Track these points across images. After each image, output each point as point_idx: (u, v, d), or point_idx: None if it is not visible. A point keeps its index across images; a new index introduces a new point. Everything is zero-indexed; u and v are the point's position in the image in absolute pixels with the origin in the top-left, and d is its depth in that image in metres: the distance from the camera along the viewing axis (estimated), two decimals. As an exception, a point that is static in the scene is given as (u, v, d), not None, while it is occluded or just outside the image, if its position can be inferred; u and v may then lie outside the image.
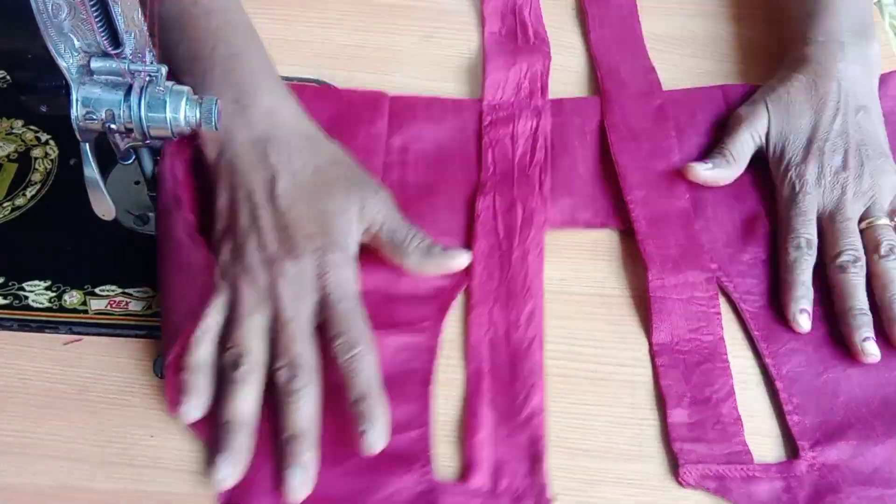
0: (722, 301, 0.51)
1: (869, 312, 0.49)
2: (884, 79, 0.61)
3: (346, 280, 0.46)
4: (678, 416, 0.46)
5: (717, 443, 0.45)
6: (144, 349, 0.47)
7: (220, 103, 0.43)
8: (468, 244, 0.52)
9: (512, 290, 0.50)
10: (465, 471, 0.43)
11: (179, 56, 0.51)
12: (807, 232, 0.51)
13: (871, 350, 0.48)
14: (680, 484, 0.44)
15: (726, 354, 0.48)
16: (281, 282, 0.45)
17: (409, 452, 0.44)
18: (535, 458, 0.44)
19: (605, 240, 0.54)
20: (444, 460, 0.44)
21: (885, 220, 0.52)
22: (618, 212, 0.54)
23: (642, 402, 0.47)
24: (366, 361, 0.44)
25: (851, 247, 0.51)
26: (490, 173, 0.55)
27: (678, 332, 0.49)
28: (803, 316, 0.49)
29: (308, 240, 0.46)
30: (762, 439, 0.46)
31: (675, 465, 0.44)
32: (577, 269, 0.52)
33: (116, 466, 0.43)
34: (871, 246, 0.51)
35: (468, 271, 0.51)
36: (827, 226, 0.52)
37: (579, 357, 0.48)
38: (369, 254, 0.50)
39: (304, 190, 0.48)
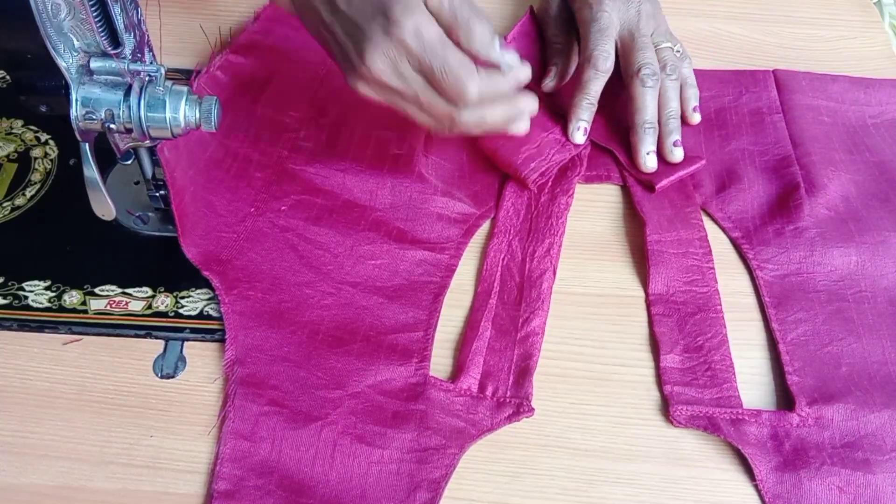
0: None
1: (656, 126, 0.56)
2: (872, 84, 0.62)
3: (422, 34, 0.45)
4: (670, 360, 0.47)
5: (708, 388, 0.46)
6: (144, 349, 0.47)
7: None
8: (502, 184, 0.55)
9: (535, 226, 0.53)
10: (457, 373, 0.47)
11: None
12: (605, 50, 0.56)
13: (651, 163, 0.56)
14: (672, 423, 0.45)
15: (720, 306, 0.50)
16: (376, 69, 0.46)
17: (410, 349, 0.47)
18: (523, 371, 0.46)
19: (606, 240, 0.54)
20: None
21: (668, 43, 0.58)
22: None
23: (642, 402, 0.47)
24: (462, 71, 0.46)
25: (651, 60, 0.56)
26: None
27: (674, 284, 0.51)
28: (580, 132, 0.56)
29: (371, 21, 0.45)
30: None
31: (666, 408, 0.46)
32: (577, 269, 0.52)
33: (116, 466, 0.43)
34: (658, 65, 0.57)
35: (496, 204, 0.54)
36: (627, 43, 0.57)
37: (579, 357, 0.48)
38: (404, 168, 0.54)
39: None
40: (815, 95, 0.62)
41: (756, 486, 0.43)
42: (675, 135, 0.57)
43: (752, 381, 0.47)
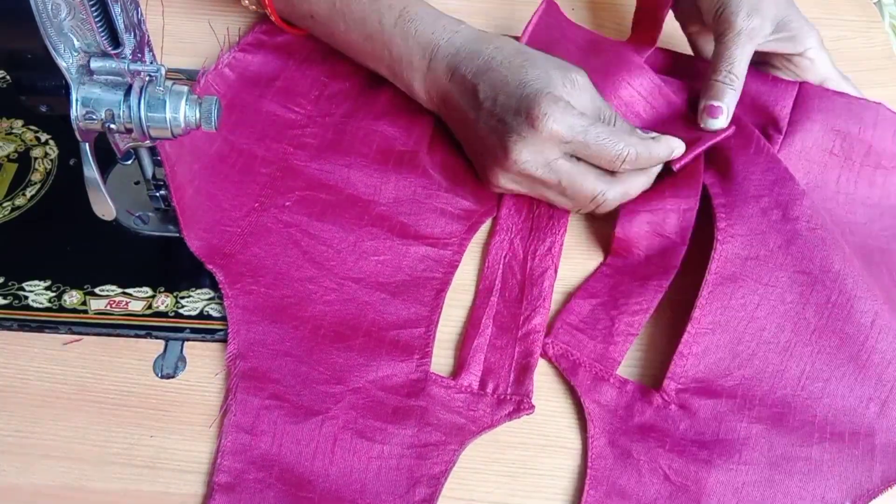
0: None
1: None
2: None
3: (572, 126, 0.47)
4: (578, 306, 0.48)
5: (596, 341, 0.47)
6: (144, 349, 0.47)
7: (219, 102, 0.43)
8: None
9: (537, 224, 0.53)
10: (458, 370, 0.47)
11: (351, 43, 0.55)
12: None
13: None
14: (541, 354, 0.46)
15: (666, 282, 0.49)
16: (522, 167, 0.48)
17: (411, 345, 0.47)
18: (524, 368, 0.47)
19: (606, 240, 0.54)
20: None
21: None
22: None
23: (642, 402, 0.46)
24: (638, 155, 0.48)
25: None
26: None
27: (634, 255, 0.51)
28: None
29: (515, 117, 0.48)
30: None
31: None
32: (577, 269, 0.52)
33: (116, 466, 0.43)
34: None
35: (499, 202, 0.54)
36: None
37: (579, 357, 0.48)
38: (409, 165, 0.54)
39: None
40: (837, 119, 0.55)
41: (585, 441, 0.44)
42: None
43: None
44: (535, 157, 0.48)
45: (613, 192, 0.50)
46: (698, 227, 0.50)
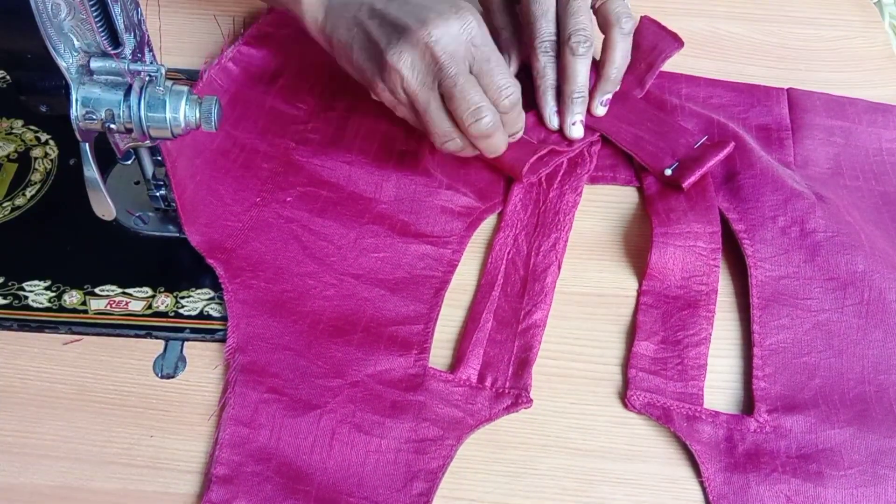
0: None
1: (587, 94, 0.55)
2: (891, 109, 0.61)
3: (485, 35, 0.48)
4: (643, 348, 0.47)
5: (674, 381, 0.46)
6: (144, 349, 0.47)
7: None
8: (508, 180, 0.55)
9: (542, 221, 0.53)
10: (456, 363, 0.47)
11: None
12: (550, 33, 0.55)
13: (577, 132, 0.55)
14: (625, 406, 0.45)
15: (713, 305, 0.49)
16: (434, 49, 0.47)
17: (410, 341, 0.47)
18: (523, 363, 0.47)
19: (607, 240, 0.54)
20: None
21: None
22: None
23: (642, 402, 0.47)
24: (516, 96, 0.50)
25: (583, 26, 0.54)
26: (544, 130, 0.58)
27: (671, 279, 0.50)
28: (555, 117, 0.56)
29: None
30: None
31: (625, 391, 0.46)
32: (577, 269, 0.52)
33: (116, 466, 0.43)
34: (611, 20, 0.55)
35: (504, 199, 0.54)
36: (562, 9, 0.55)
37: (579, 357, 0.48)
38: (410, 162, 0.54)
39: None
40: (830, 115, 0.60)
41: (702, 484, 0.43)
42: (607, 95, 0.56)
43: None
44: (450, 37, 0.47)
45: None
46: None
